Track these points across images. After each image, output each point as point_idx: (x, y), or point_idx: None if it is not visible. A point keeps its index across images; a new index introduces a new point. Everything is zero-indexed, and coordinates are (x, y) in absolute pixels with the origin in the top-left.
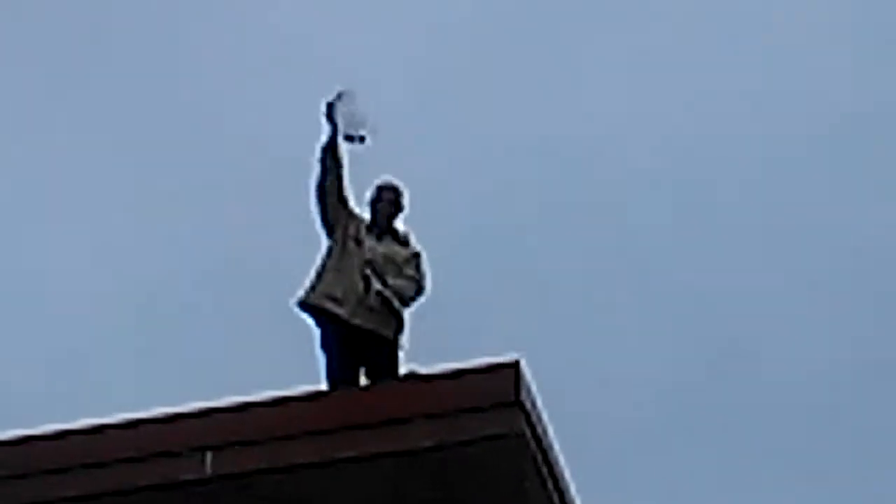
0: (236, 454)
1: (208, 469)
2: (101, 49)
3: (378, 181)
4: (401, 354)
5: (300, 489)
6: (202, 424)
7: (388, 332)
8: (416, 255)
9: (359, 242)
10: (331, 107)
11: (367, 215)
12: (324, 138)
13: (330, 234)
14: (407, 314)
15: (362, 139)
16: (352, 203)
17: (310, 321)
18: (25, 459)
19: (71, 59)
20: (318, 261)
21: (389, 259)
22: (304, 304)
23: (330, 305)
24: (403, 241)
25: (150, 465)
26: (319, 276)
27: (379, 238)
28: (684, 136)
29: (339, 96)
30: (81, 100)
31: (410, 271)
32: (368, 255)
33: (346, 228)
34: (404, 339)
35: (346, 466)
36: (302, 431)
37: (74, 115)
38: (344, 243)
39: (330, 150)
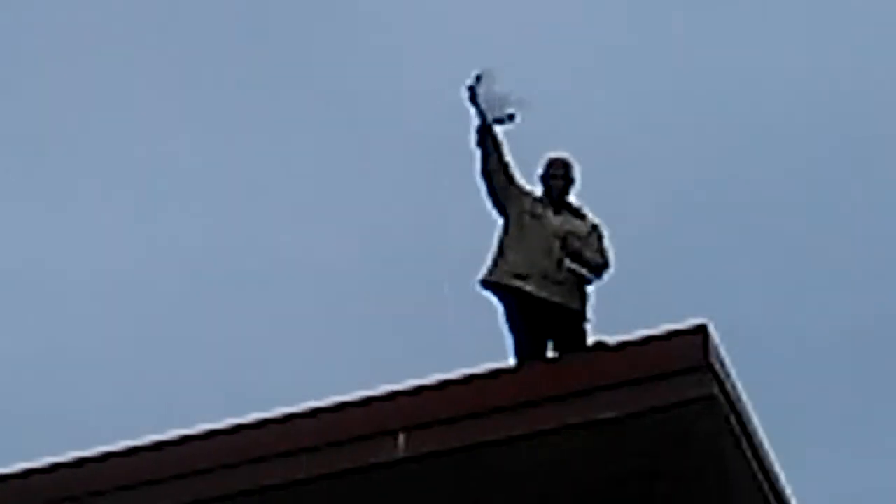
0: (427, 435)
1: (400, 451)
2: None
3: (547, 155)
4: (587, 327)
5: (494, 465)
6: (392, 406)
7: (576, 305)
8: (596, 228)
9: (536, 216)
10: (472, 91)
11: (538, 190)
12: (475, 122)
13: (503, 212)
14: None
15: (511, 117)
16: (519, 179)
17: (493, 299)
18: (218, 452)
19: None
20: (496, 240)
21: (572, 233)
22: (488, 283)
23: (516, 282)
24: (580, 215)
25: (342, 450)
26: (500, 253)
27: (556, 212)
28: None
29: (478, 79)
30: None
31: (594, 244)
32: (552, 229)
33: (520, 205)
34: (590, 312)
35: (540, 440)
36: (492, 408)
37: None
38: (520, 219)
39: (484, 134)
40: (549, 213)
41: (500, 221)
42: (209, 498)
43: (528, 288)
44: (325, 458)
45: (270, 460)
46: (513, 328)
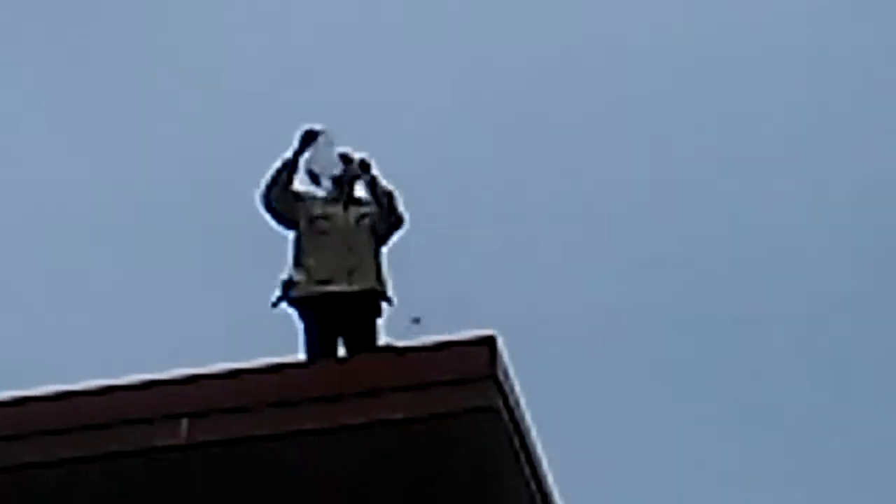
0: (211, 422)
1: (183, 437)
2: None
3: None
4: (384, 307)
5: (273, 458)
6: (179, 391)
7: (378, 286)
8: (389, 195)
9: (326, 217)
10: (308, 138)
11: (322, 192)
12: (287, 155)
13: (292, 226)
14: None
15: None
16: (301, 188)
17: (293, 314)
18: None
19: None
20: (290, 253)
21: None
22: (292, 300)
23: (321, 288)
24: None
25: (124, 430)
26: (297, 264)
27: (345, 207)
28: None
29: (320, 134)
30: None
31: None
32: (346, 223)
33: (308, 211)
34: (391, 293)
35: (321, 437)
36: (277, 401)
37: None
38: (311, 226)
39: (287, 169)
40: (340, 209)
41: (291, 235)
42: None
43: (335, 288)
44: (108, 437)
45: (54, 435)
46: (308, 331)
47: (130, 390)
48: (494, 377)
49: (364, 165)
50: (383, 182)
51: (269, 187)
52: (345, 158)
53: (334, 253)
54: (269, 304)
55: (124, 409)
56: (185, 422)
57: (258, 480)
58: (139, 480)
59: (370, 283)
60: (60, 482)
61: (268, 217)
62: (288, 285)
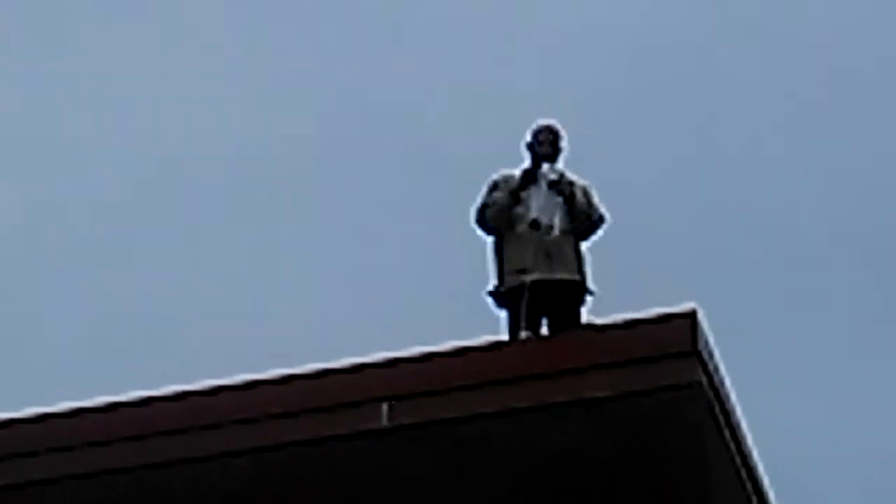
0: (412, 405)
1: (384, 420)
2: None
3: (534, 124)
4: (588, 299)
5: (476, 439)
6: (379, 375)
7: (576, 276)
8: (586, 190)
9: (524, 201)
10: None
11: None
12: (513, 186)
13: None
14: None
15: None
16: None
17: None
18: (207, 411)
19: None
20: (491, 249)
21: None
22: (496, 294)
23: (520, 279)
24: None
25: (328, 416)
26: (500, 260)
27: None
28: None
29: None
30: None
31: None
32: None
33: (507, 202)
34: (591, 283)
35: (524, 416)
36: (479, 381)
37: None
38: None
39: (513, 197)
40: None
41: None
42: (199, 457)
43: (533, 277)
44: (311, 423)
45: (260, 422)
46: (511, 318)
47: (332, 374)
48: (696, 352)
49: (551, 132)
50: (580, 181)
51: (488, 206)
52: (540, 131)
53: (534, 244)
54: (486, 294)
55: (327, 393)
56: (385, 405)
57: (460, 462)
58: (342, 464)
59: (571, 273)
60: (263, 468)
61: (479, 230)
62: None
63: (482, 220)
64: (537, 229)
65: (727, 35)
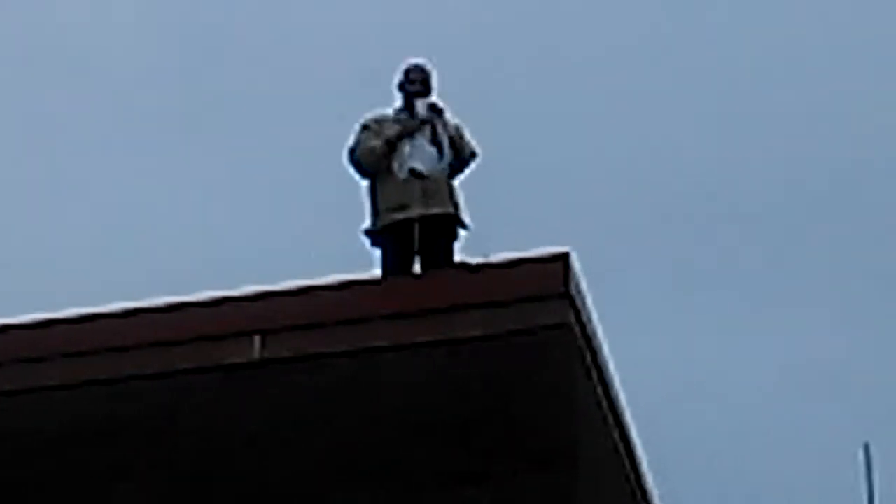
0: (284, 339)
1: (256, 353)
2: None
3: (404, 64)
4: (461, 234)
5: (346, 375)
6: (251, 308)
7: (450, 209)
8: (458, 127)
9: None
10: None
11: (396, 104)
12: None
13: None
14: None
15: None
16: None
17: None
18: (81, 337)
19: None
20: (366, 189)
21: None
22: (372, 232)
23: (399, 215)
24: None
25: (202, 346)
26: (374, 197)
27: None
28: None
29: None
30: None
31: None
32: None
33: (383, 151)
34: (466, 217)
35: (395, 354)
36: (352, 318)
37: None
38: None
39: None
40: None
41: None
42: (68, 384)
43: (407, 214)
44: (180, 354)
45: (129, 350)
46: (384, 255)
47: (203, 307)
48: (568, 294)
49: (435, 108)
50: (453, 119)
51: (360, 151)
52: (432, 107)
53: (410, 183)
54: (361, 232)
55: (197, 325)
56: (257, 338)
57: (332, 398)
58: (212, 398)
59: (445, 207)
60: (132, 398)
61: (352, 170)
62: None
63: (356, 162)
64: (418, 178)
65: None
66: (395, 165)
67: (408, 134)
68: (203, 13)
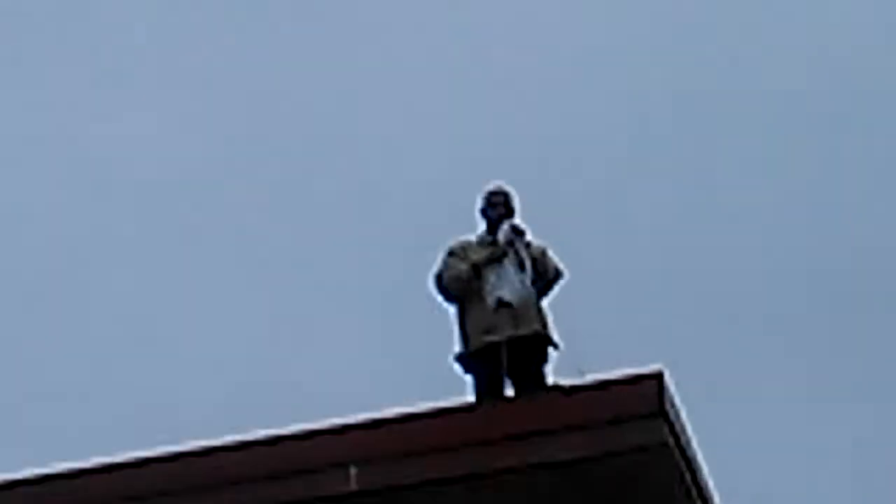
0: (379, 469)
1: (353, 483)
2: None
3: (485, 188)
4: (553, 354)
5: (444, 503)
6: (345, 439)
7: (539, 328)
8: (544, 251)
9: (479, 269)
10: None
11: (480, 229)
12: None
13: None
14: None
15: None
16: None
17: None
18: (178, 476)
19: None
20: (455, 315)
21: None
22: (462, 357)
23: (487, 338)
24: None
25: (299, 479)
26: (463, 324)
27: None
28: None
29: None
30: None
31: (548, 262)
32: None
33: (469, 275)
34: (555, 336)
35: (493, 479)
36: (448, 445)
37: None
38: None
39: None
40: (495, 250)
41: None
42: None
43: (499, 336)
44: (279, 487)
45: (226, 486)
46: (477, 380)
47: (299, 439)
48: (664, 413)
49: (517, 230)
50: (536, 241)
51: (447, 274)
52: (514, 229)
53: (488, 290)
54: (453, 358)
55: (294, 458)
56: (353, 469)
57: None
58: None
59: (534, 327)
60: None
61: (436, 293)
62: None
63: (443, 288)
64: (507, 307)
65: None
66: (485, 293)
67: (495, 259)
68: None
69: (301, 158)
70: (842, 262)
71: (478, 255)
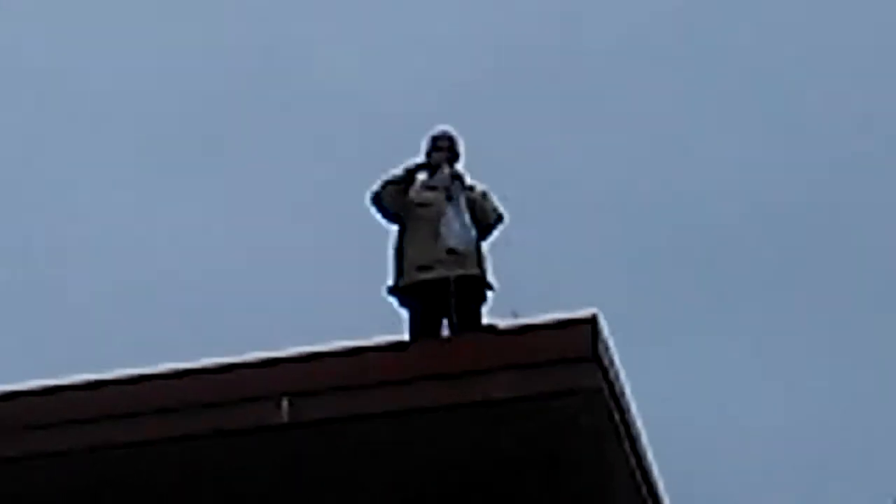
0: (313, 402)
1: (284, 416)
2: None
3: (431, 132)
4: (489, 296)
5: (377, 438)
6: (280, 372)
7: (476, 271)
8: (486, 193)
9: (424, 205)
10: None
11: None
12: (412, 163)
13: (398, 221)
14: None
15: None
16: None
17: (399, 307)
18: (98, 403)
19: None
20: (392, 246)
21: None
22: (394, 290)
23: (421, 275)
24: (468, 187)
25: (229, 410)
26: (399, 256)
27: (448, 199)
28: None
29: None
30: None
31: (490, 205)
32: (442, 208)
33: (409, 203)
34: (492, 278)
35: (423, 416)
36: (379, 381)
37: None
38: (411, 214)
39: (408, 178)
40: (441, 196)
41: (395, 228)
42: (102, 446)
43: (433, 275)
44: (212, 417)
45: (156, 413)
46: (412, 318)
47: (231, 370)
48: (597, 357)
49: (456, 175)
50: (478, 185)
51: (385, 185)
52: (453, 174)
53: (430, 238)
54: (385, 292)
55: (225, 389)
56: (286, 401)
57: (358, 461)
58: (240, 461)
59: (472, 269)
60: (158, 462)
61: (374, 211)
62: (395, 278)
63: (380, 206)
64: (454, 254)
65: None
66: (424, 233)
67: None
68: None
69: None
70: (777, 206)
71: (418, 197)
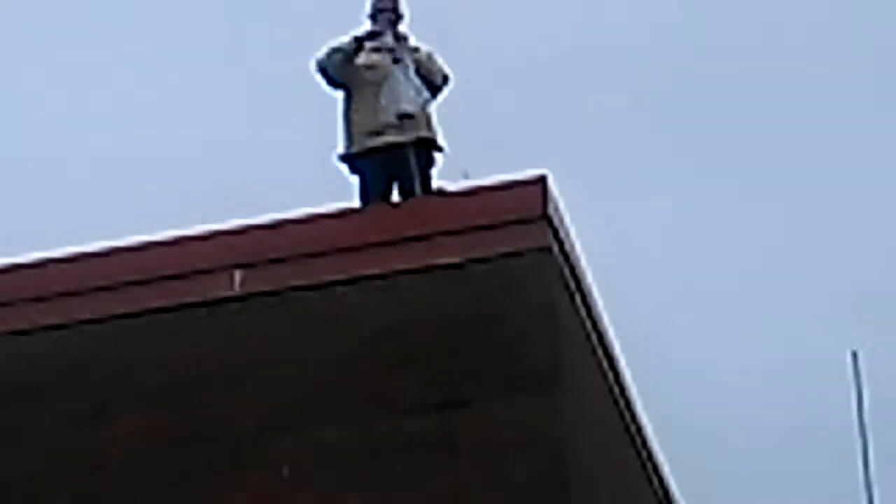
0: (264, 273)
1: (236, 286)
2: None
3: None
4: (438, 158)
5: (328, 306)
6: (231, 243)
7: (427, 134)
8: (431, 55)
9: (371, 68)
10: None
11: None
12: (357, 34)
13: (343, 88)
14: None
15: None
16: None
17: (349, 175)
18: (46, 281)
19: None
20: (341, 112)
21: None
22: (346, 157)
23: (371, 142)
24: (413, 48)
25: (180, 282)
26: (349, 122)
27: (394, 62)
28: None
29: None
30: None
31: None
32: (389, 70)
33: (356, 68)
34: (442, 141)
35: (374, 282)
36: (332, 248)
37: None
38: (358, 78)
39: (355, 47)
40: (387, 59)
41: (341, 94)
42: (53, 324)
43: (384, 140)
44: (163, 290)
45: (112, 289)
46: (362, 183)
47: (181, 243)
48: (547, 217)
49: (399, 36)
50: (423, 47)
51: (330, 54)
52: (396, 35)
53: (383, 103)
54: (336, 159)
55: (175, 261)
56: (238, 272)
57: (313, 330)
58: (192, 333)
59: (423, 131)
60: (111, 337)
61: (319, 77)
62: (345, 145)
63: (325, 74)
64: (408, 118)
65: None
66: (381, 104)
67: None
68: None
69: None
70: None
71: (366, 59)
